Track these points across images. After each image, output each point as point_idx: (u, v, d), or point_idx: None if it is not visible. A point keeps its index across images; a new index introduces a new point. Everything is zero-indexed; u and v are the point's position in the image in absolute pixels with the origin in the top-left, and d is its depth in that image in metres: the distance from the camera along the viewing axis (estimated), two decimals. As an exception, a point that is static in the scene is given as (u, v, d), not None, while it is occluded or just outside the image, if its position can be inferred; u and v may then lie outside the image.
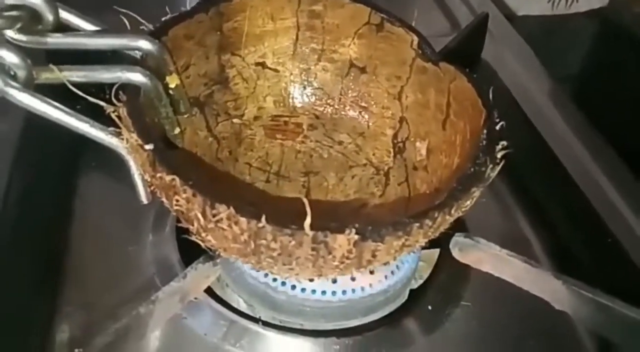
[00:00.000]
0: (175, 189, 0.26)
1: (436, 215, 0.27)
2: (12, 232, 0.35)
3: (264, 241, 0.26)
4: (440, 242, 0.38)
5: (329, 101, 0.40)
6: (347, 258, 0.27)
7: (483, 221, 0.38)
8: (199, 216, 0.26)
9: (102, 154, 0.41)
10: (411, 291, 0.37)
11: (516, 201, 0.42)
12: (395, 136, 0.39)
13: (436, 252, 0.39)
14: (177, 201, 0.27)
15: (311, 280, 0.34)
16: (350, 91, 0.40)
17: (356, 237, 0.26)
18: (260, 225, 0.25)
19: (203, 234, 0.28)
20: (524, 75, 0.51)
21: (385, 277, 0.35)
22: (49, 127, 0.40)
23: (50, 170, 0.40)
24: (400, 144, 0.38)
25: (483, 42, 0.52)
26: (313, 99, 0.40)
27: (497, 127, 0.31)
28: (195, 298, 0.34)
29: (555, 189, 0.41)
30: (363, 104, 0.40)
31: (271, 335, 0.34)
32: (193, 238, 0.29)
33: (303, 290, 0.34)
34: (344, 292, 0.34)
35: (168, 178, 0.26)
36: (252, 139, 0.39)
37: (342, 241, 0.26)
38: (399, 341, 0.35)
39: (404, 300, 0.37)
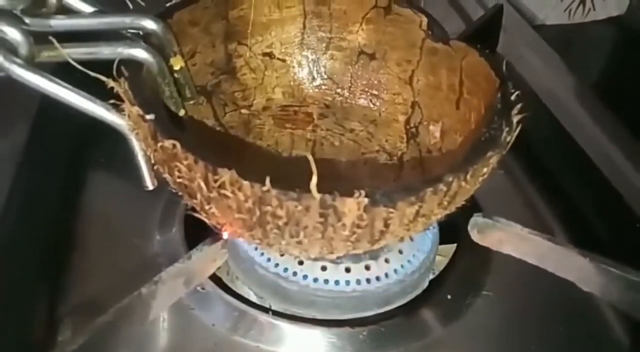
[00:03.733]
0: (176, 157, 0.25)
1: (450, 179, 0.25)
2: (19, 224, 0.34)
3: (269, 208, 0.24)
4: (458, 236, 0.37)
5: (338, 90, 0.40)
6: (358, 227, 0.25)
7: (501, 205, 0.37)
8: (202, 184, 0.25)
9: (110, 149, 0.41)
10: (430, 281, 0.35)
11: (534, 184, 0.40)
12: (407, 122, 0.38)
13: (454, 247, 0.38)
14: (179, 171, 0.26)
15: (324, 269, 0.33)
16: (360, 79, 0.39)
17: (366, 200, 0.24)
18: (265, 189, 0.24)
19: (207, 207, 0.26)
20: (542, 70, 0.49)
21: (402, 266, 0.34)
22: (58, 122, 0.40)
23: (57, 166, 0.39)
24: (413, 129, 0.37)
25: (498, 36, 0.51)
26: (322, 89, 0.40)
27: (513, 97, 0.30)
28: (203, 288, 0.33)
29: (572, 169, 0.40)
30: (374, 92, 0.39)
31: (282, 325, 0.32)
32: (197, 215, 0.28)
33: (315, 280, 0.33)
34: (358, 281, 0.33)
35: (168, 144, 0.25)
36: (261, 129, 0.38)
37: (352, 205, 0.24)
38: (417, 331, 0.33)
39: (421, 290, 0.35)
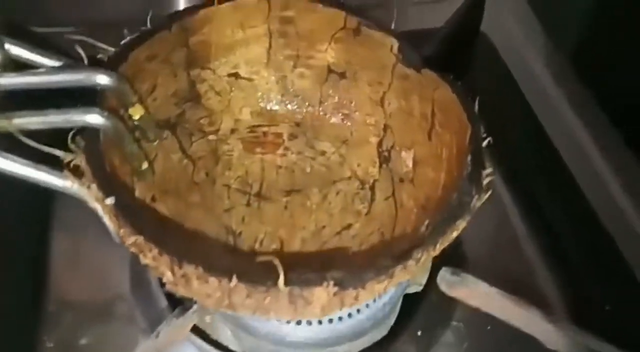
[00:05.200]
0: (140, 247, 0.25)
1: (420, 255, 0.25)
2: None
3: (237, 298, 0.24)
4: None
5: (309, 108, 0.38)
6: (329, 306, 0.25)
7: (479, 234, 0.37)
8: (168, 273, 0.25)
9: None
10: (400, 311, 0.36)
11: (517, 207, 0.40)
12: (380, 144, 0.37)
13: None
14: (145, 256, 0.25)
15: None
16: (330, 97, 0.38)
17: (335, 289, 0.24)
18: (232, 285, 0.24)
19: (175, 288, 0.26)
20: (526, 49, 0.47)
21: (374, 300, 0.34)
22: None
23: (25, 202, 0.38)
24: (386, 153, 0.36)
25: (482, 13, 0.48)
26: (292, 107, 0.38)
27: (484, 144, 0.29)
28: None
29: (556, 191, 0.39)
30: (345, 111, 0.38)
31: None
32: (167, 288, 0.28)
33: (287, 321, 0.33)
34: (330, 320, 0.33)
35: (131, 239, 0.24)
36: (230, 156, 0.37)
37: (321, 294, 0.24)
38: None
39: (394, 319, 0.35)
